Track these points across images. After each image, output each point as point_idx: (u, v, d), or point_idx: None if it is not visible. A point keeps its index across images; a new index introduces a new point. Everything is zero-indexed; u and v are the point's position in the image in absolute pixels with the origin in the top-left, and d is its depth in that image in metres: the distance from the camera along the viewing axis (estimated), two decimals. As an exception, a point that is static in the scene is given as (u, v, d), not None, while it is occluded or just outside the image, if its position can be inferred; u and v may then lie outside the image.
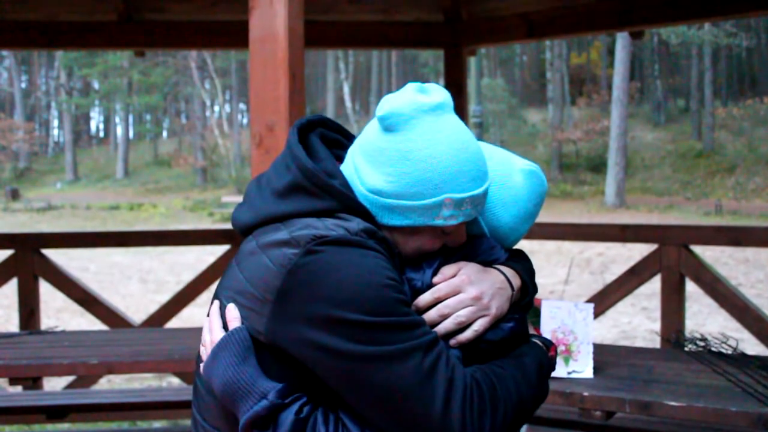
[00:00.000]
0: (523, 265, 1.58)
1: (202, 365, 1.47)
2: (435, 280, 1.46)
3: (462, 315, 1.43)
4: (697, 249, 5.05)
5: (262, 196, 1.51)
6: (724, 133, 38.11)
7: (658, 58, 46.43)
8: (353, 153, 1.51)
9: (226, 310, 1.46)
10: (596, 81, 49.63)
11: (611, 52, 40.22)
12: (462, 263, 1.49)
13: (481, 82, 32.60)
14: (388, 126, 1.43)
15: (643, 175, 36.22)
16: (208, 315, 1.56)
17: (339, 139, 1.63)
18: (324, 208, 1.43)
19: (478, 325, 1.44)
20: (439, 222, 1.43)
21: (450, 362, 1.35)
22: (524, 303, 1.55)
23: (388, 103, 1.44)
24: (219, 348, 1.42)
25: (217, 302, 1.52)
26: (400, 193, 1.42)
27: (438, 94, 1.45)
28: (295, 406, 1.35)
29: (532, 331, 1.62)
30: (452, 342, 1.42)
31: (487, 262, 1.53)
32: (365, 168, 1.46)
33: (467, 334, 1.43)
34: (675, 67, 49.96)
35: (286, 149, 1.51)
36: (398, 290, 1.37)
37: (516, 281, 1.52)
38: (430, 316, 1.43)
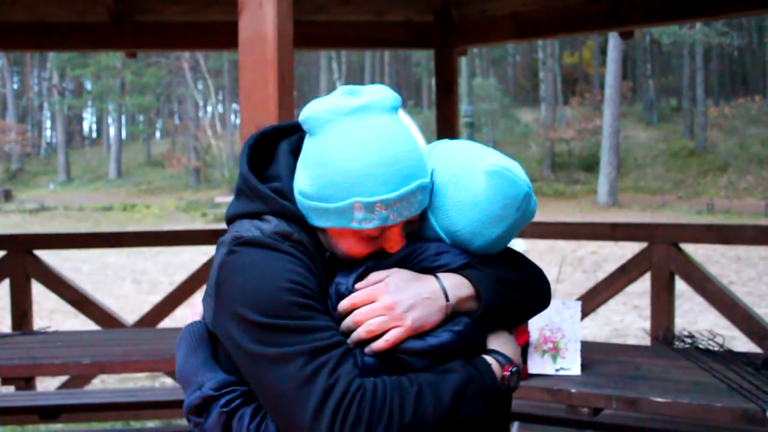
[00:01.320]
0: (487, 273, 1.48)
1: None
2: (357, 285, 1.44)
3: (372, 324, 1.40)
4: (690, 247, 5.08)
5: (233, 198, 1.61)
6: (716, 132, 38.24)
7: (651, 58, 46.58)
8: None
9: (193, 305, 1.61)
10: (589, 80, 49.75)
11: (603, 51, 40.32)
12: (393, 270, 1.45)
13: (473, 81, 32.67)
14: (308, 129, 1.46)
15: (636, 174, 36.32)
16: None
17: None
18: (253, 210, 1.50)
19: (390, 336, 1.39)
20: (354, 225, 1.42)
21: (338, 371, 1.32)
22: (477, 315, 1.46)
23: (308, 108, 1.46)
24: (180, 339, 1.56)
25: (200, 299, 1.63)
26: (316, 195, 1.44)
27: (367, 96, 1.44)
28: (223, 399, 1.42)
29: (497, 345, 1.51)
30: (366, 350, 1.40)
31: (429, 269, 1.47)
32: (299, 170, 1.50)
33: (379, 344, 1.39)
34: (667, 67, 50.09)
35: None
36: (300, 294, 1.36)
37: (460, 291, 1.44)
38: (346, 322, 1.42)
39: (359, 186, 1.39)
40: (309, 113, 1.45)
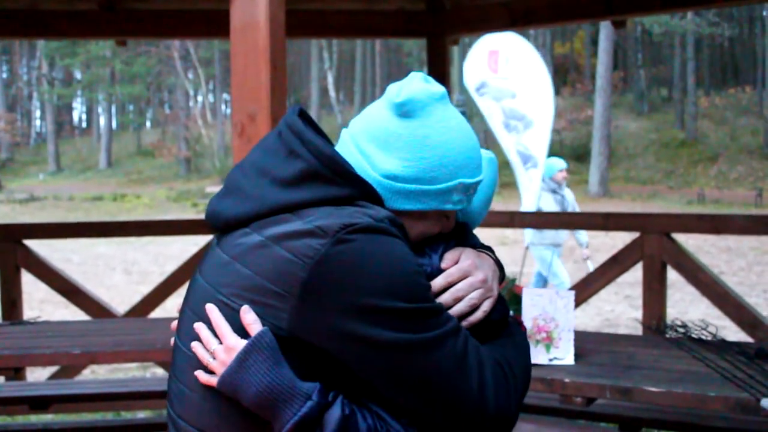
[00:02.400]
0: (489, 248, 1.64)
1: (220, 376, 1.36)
2: (443, 265, 1.48)
3: (474, 297, 1.47)
4: (680, 237, 5.09)
5: (258, 185, 1.43)
6: (707, 122, 38.34)
7: (642, 48, 46.64)
8: (357, 139, 1.48)
9: (243, 313, 1.35)
10: (580, 70, 49.77)
11: (595, 41, 40.33)
12: (460, 248, 1.53)
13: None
14: (406, 112, 1.43)
15: (627, 164, 36.39)
16: (181, 315, 1.51)
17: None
18: (344, 195, 1.39)
19: (486, 306, 1.48)
20: (448, 206, 1.47)
21: (474, 344, 1.39)
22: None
23: (405, 90, 1.44)
24: (246, 354, 1.33)
25: (211, 305, 1.41)
26: (418, 178, 1.43)
27: (438, 84, 1.50)
28: (339, 404, 1.32)
29: None
30: (464, 323, 1.44)
31: (474, 247, 1.58)
32: (378, 154, 1.44)
33: (477, 315, 1.47)
34: (658, 57, 50.17)
35: (289, 134, 1.45)
36: (425, 276, 1.41)
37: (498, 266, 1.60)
38: (444, 299, 1.44)
39: (463, 168, 1.46)
40: (409, 95, 1.44)
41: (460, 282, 1.47)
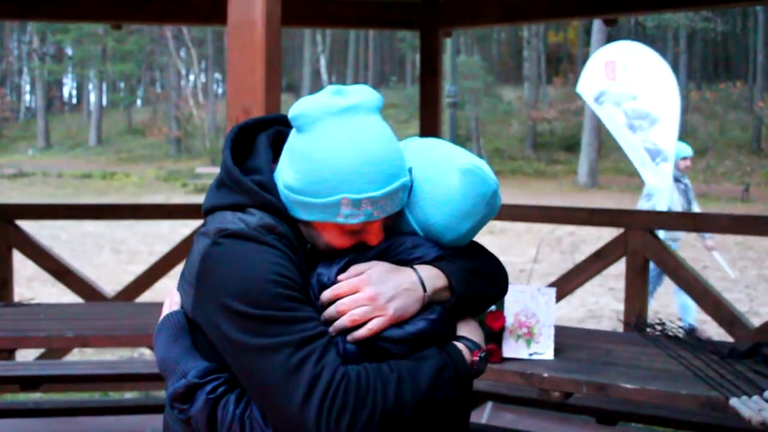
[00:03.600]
0: (458, 265, 1.58)
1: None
2: (340, 277, 1.52)
3: (356, 314, 1.47)
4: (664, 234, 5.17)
5: (210, 188, 1.64)
6: (697, 116, 38.45)
7: (634, 40, 46.61)
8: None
9: (170, 294, 1.65)
10: (573, 60, 49.78)
11: (588, 32, 40.31)
12: (374, 262, 1.54)
13: (457, 59, 32.60)
14: (297, 126, 1.52)
15: (616, 156, 36.41)
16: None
17: None
18: (237, 202, 1.55)
19: (373, 325, 1.47)
20: (340, 220, 1.49)
21: (323, 360, 1.39)
22: (449, 304, 1.56)
23: (299, 105, 1.52)
24: (159, 327, 1.60)
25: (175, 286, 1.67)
26: (303, 190, 1.50)
27: (355, 96, 1.51)
28: (209, 387, 1.47)
29: (466, 332, 1.61)
30: (348, 338, 1.48)
31: (406, 261, 1.56)
32: (284, 164, 1.56)
33: (361, 332, 1.47)
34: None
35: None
36: (285, 286, 1.43)
37: (435, 282, 1.54)
38: (329, 311, 1.49)
39: (347, 183, 1.47)
40: (299, 111, 1.51)
41: (347, 296, 1.49)
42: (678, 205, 7.85)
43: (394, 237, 1.59)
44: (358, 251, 1.55)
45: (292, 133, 1.55)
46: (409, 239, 1.59)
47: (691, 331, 3.19)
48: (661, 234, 7.97)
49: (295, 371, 1.37)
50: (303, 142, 1.50)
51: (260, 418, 1.43)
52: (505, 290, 1.73)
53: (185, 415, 1.49)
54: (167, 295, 1.68)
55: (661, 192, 7.96)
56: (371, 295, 1.48)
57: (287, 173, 1.54)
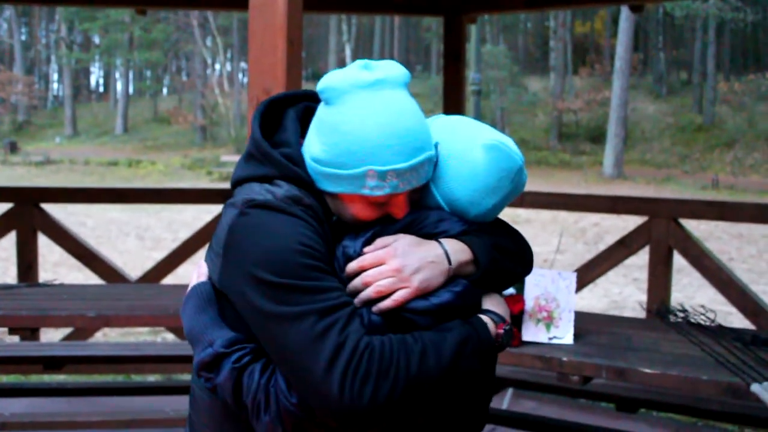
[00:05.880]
0: (483, 240, 1.58)
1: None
2: (366, 249, 1.53)
3: (381, 285, 1.48)
4: (692, 223, 5.09)
5: (239, 161, 1.65)
6: (725, 107, 38.04)
7: (663, 30, 46.16)
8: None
9: (198, 265, 1.66)
10: (599, 51, 49.42)
11: (615, 22, 39.97)
12: (400, 235, 1.55)
13: (482, 48, 32.46)
14: (325, 99, 1.54)
15: (642, 147, 36.21)
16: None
17: None
18: (264, 174, 1.57)
19: (398, 296, 1.48)
20: (365, 192, 1.51)
21: (348, 329, 1.39)
22: (475, 277, 1.56)
23: (327, 78, 1.54)
24: (187, 298, 1.62)
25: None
26: (330, 162, 1.52)
27: (382, 70, 1.53)
28: (234, 356, 1.48)
29: (491, 305, 1.61)
30: (374, 309, 1.48)
31: (431, 235, 1.57)
32: (311, 137, 1.58)
33: (386, 303, 1.48)
34: (679, 40, 49.69)
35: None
36: (311, 256, 1.44)
37: (460, 256, 1.54)
38: (354, 283, 1.50)
39: (374, 155, 1.49)
40: (327, 84, 1.53)
41: (372, 268, 1.50)
42: None
43: (419, 211, 1.60)
44: (384, 224, 1.57)
45: (320, 105, 1.57)
46: (434, 213, 1.59)
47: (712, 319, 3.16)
48: None
49: (319, 339, 1.38)
50: (330, 115, 1.52)
51: (284, 387, 1.44)
52: (530, 268, 1.73)
53: (211, 384, 1.51)
54: (196, 266, 1.70)
55: None
56: (397, 267, 1.49)
57: (314, 145, 1.56)
